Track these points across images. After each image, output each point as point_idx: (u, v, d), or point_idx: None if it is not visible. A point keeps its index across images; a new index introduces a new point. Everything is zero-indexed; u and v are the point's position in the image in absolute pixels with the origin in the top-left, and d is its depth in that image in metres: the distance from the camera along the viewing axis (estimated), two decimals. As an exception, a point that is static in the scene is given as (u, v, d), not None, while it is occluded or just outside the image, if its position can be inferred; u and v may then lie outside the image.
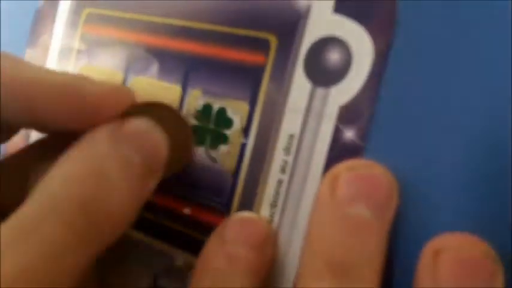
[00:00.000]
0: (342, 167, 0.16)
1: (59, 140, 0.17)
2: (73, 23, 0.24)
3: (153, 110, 0.18)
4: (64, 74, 0.17)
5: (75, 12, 0.24)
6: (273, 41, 0.18)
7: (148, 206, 0.21)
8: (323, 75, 0.17)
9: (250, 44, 0.19)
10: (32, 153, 0.19)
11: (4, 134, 0.19)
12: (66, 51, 0.24)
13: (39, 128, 0.18)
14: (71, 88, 0.16)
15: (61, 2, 0.24)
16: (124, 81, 0.22)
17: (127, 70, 0.22)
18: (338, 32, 0.17)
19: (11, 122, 0.17)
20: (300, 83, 0.17)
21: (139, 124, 0.17)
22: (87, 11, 0.23)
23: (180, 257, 0.20)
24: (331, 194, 0.16)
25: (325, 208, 0.16)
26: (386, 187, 0.15)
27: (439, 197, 0.15)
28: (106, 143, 0.16)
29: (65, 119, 0.17)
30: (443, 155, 0.15)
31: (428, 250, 0.15)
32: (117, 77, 0.22)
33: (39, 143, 0.19)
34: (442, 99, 0.15)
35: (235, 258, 0.17)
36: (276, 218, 0.18)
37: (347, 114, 0.17)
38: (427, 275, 0.14)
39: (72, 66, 0.24)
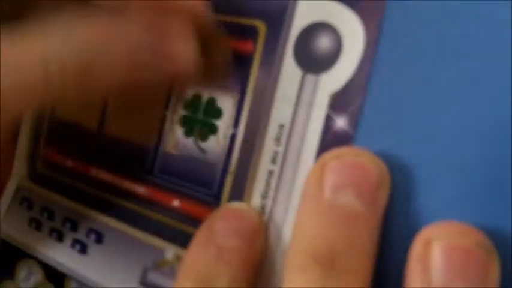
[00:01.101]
0: (328, 156, 0.15)
1: None
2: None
3: None
4: None
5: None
6: (262, 28, 0.18)
7: (137, 199, 0.20)
8: (313, 62, 0.17)
9: (238, 31, 0.18)
10: None
11: None
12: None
13: None
14: None
15: None
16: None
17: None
18: (328, 17, 0.16)
19: None
20: (289, 71, 0.17)
21: None
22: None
23: (169, 251, 0.19)
24: (318, 184, 0.15)
25: (312, 198, 0.15)
26: (375, 175, 0.15)
27: (432, 186, 0.15)
28: None
29: None
30: (435, 142, 0.15)
31: (419, 239, 0.14)
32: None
33: None
34: (434, 85, 0.15)
35: (224, 249, 0.16)
36: (267, 210, 0.17)
37: (338, 102, 0.16)
38: (418, 264, 0.14)
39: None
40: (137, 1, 0.17)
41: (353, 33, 0.16)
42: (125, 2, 0.17)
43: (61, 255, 0.22)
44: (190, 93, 0.19)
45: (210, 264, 0.16)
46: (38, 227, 0.23)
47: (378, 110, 0.16)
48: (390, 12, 0.15)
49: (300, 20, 0.17)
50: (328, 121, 0.16)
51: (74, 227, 0.22)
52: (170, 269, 0.19)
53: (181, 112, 0.19)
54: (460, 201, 0.14)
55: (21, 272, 0.24)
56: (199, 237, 0.17)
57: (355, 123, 0.16)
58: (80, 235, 0.22)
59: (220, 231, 0.17)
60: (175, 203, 0.19)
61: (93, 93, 0.17)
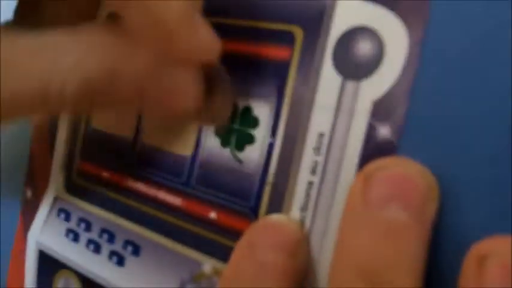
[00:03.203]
0: (373, 166, 0.15)
1: None
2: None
3: None
4: None
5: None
6: (298, 33, 0.17)
7: (173, 210, 0.20)
8: (353, 68, 0.16)
9: (274, 37, 0.17)
10: None
11: None
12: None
13: None
14: None
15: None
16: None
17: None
18: (368, 21, 0.16)
19: None
20: (328, 78, 0.16)
21: None
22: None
23: (207, 264, 0.19)
24: (363, 196, 0.14)
25: (357, 211, 0.14)
26: (424, 187, 0.14)
27: (484, 198, 0.14)
28: None
29: None
30: (484, 153, 0.14)
31: (471, 256, 0.13)
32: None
33: None
34: (482, 91, 0.14)
35: (266, 264, 0.16)
36: (307, 223, 0.17)
37: (381, 110, 0.15)
38: (471, 282, 0.13)
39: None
40: (146, 28, 0.15)
41: (396, 37, 0.15)
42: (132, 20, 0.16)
43: (98, 267, 0.22)
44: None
45: (252, 280, 0.16)
46: (76, 238, 0.23)
47: (423, 118, 0.15)
48: (435, 13, 0.15)
49: (338, 25, 0.16)
50: (371, 130, 0.15)
51: (111, 239, 0.22)
52: (208, 283, 0.19)
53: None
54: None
55: (59, 283, 0.24)
56: (240, 251, 0.17)
57: (399, 131, 0.15)
58: (117, 247, 0.22)
59: (261, 246, 0.16)
60: (212, 214, 0.19)
61: (91, 113, 0.16)
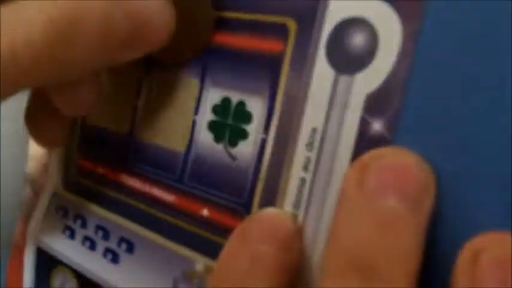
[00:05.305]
0: (369, 156, 0.14)
1: None
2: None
3: None
4: None
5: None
6: (292, 26, 0.17)
7: (167, 207, 0.19)
8: (347, 61, 0.15)
9: (267, 30, 0.17)
10: None
11: None
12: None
13: None
14: None
15: None
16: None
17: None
18: (362, 12, 0.15)
19: None
20: (322, 71, 0.16)
21: None
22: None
23: (200, 262, 0.18)
24: (358, 186, 0.14)
25: (352, 202, 0.14)
26: (421, 177, 0.13)
27: (478, 193, 0.13)
28: None
29: None
30: (481, 147, 0.13)
31: (466, 251, 0.13)
32: (134, 72, 0.21)
33: None
34: (480, 84, 0.13)
35: (259, 257, 0.15)
36: (299, 219, 0.16)
37: (374, 104, 0.15)
38: (465, 278, 0.12)
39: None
40: None
41: (390, 28, 0.15)
42: None
43: (94, 264, 0.22)
44: (218, 96, 0.18)
45: (244, 271, 0.15)
46: (72, 235, 0.23)
47: (418, 112, 0.14)
48: (431, 4, 0.14)
49: (332, 16, 0.16)
50: (364, 124, 0.15)
51: (106, 236, 0.22)
52: (200, 282, 0.18)
53: (211, 117, 0.18)
54: (509, 209, 0.13)
55: (56, 280, 0.24)
56: (233, 242, 0.16)
57: (393, 126, 0.14)
58: (112, 244, 0.21)
59: (254, 237, 0.16)
60: (205, 211, 0.18)
61: (72, 68, 0.16)
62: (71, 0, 0.15)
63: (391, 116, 0.15)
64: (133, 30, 0.16)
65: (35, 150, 0.26)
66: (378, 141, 0.15)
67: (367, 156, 0.14)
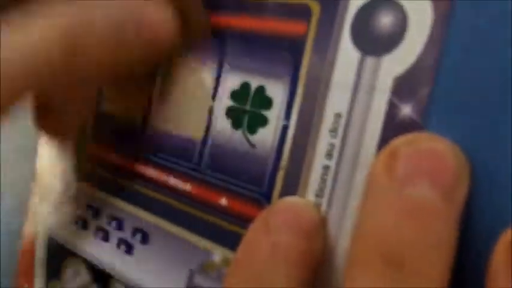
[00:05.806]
0: (399, 142, 0.13)
1: None
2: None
3: None
4: None
5: None
6: (315, 7, 0.16)
7: (183, 196, 0.19)
8: (374, 42, 0.15)
9: (289, 12, 0.16)
10: None
11: None
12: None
13: None
14: None
15: None
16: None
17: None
18: (390, -9, 0.14)
19: None
20: (347, 53, 0.15)
21: None
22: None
23: (217, 253, 0.18)
24: (388, 173, 0.13)
25: (381, 189, 0.13)
26: (454, 164, 0.13)
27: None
28: None
29: None
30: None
31: (503, 242, 0.12)
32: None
33: None
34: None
35: (280, 247, 0.15)
36: (323, 209, 0.15)
37: (403, 87, 0.14)
38: (502, 271, 0.12)
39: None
40: None
41: (420, 8, 0.14)
42: None
43: (107, 256, 0.21)
44: (237, 81, 0.18)
45: (264, 262, 0.15)
46: (84, 225, 0.22)
47: (450, 95, 0.13)
48: (464, -19, 0.13)
49: (358, -4, 0.15)
50: (392, 108, 0.14)
51: (120, 226, 0.21)
52: (217, 274, 0.18)
53: (229, 103, 0.18)
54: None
55: (68, 271, 0.23)
56: (253, 232, 0.16)
57: (423, 110, 0.14)
58: (126, 234, 0.21)
59: (276, 226, 0.15)
60: (223, 201, 0.18)
61: (83, 73, 0.17)
62: (82, 9, 0.16)
63: (421, 99, 0.14)
64: (144, 43, 0.17)
65: (45, 143, 0.25)
66: (407, 126, 0.14)
67: (398, 141, 0.13)
